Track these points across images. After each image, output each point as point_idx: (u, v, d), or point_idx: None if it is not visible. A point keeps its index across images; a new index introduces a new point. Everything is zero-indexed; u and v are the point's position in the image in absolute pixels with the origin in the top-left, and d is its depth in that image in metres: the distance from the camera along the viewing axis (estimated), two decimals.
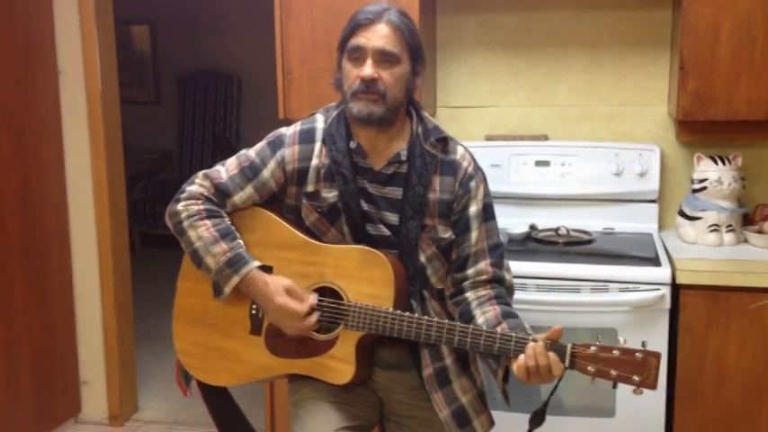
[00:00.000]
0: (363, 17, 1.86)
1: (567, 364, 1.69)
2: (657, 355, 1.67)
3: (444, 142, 1.93)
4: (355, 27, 1.87)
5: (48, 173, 3.38)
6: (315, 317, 1.85)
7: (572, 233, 2.83)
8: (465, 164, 1.93)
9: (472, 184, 1.92)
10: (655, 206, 2.93)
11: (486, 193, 1.96)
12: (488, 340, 1.73)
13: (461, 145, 1.97)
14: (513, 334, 1.72)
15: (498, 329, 1.78)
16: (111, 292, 3.52)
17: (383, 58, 1.84)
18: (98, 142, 3.42)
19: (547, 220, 2.95)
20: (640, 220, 2.93)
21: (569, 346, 1.70)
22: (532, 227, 2.89)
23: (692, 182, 2.79)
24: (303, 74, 2.82)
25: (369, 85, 1.83)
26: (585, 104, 3.02)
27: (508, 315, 1.84)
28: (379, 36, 1.84)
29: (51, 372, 3.44)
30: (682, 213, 2.81)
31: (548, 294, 2.50)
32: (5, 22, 3.13)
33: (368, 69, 1.83)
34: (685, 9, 2.57)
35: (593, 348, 1.68)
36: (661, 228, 2.94)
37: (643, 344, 1.70)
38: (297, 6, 2.78)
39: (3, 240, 3.14)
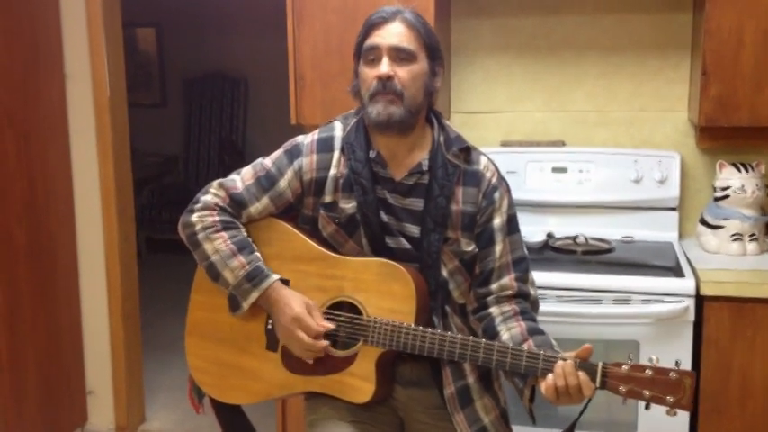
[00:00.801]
0: (377, 17, 1.82)
1: (597, 384, 1.63)
2: (692, 375, 1.60)
3: (467, 152, 1.87)
4: (369, 28, 1.82)
5: (54, 179, 3.33)
6: (325, 343, 1.80)
7: (590, 242, 2.77)
8: (489, 174, 1.87)
9: (496, 195, 1.86)
10: (675, 214, 2.86)
11: (511, 204, 1.89)
12: (515, 358, 1.67)
13: (484, 155, 1.91)
14: (541, 352, 1.66)
15: (524, 346, 1.72)
16: (119, 300, 3.47)
17: (398, 55, 1.78)
18: (106, 148, 3.37)
19: (564, 228, 2.90)
20: (660, 229, 2.86)
21: (600, 364, 1.63)
22: (549, 235, 2.83)
23: (714, 189, 2.72)
24: (315, 79, 2.76)
25: (385, 83, 1.77)
26: (603, 110, 2.96)
27: (534, 331, 1.78)
28: (393, 34, 1.79)
29: (57, 381, 3.39)
30: (703, 222, 2.74)
31: (567, 306, 2.44)
32: (12, 25, 3.08)
33: (384, 67, 1.77)
34: (708, 13, 2.50)
35: (624, 368, 1.62)
36: (681, 236, 2.87)
37: (677, 363, 1.64)
38: (309, 11, 2.72)
39: (8, 248, 3.08)
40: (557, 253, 2.73)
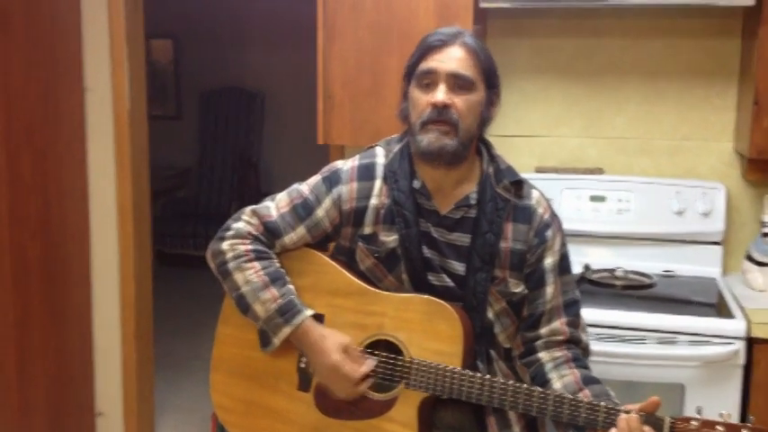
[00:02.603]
0: (435, 39, 1.69)
1: None
2: None
3: (518, 185, 1.75)
4: (426, 50, 1.69)
5: (70, 196, 3.22)
6: (368, 382, 1.67)
7: (630, 275, 2.65)
8: (541, 210, 1.75)
9: (548, 233, 1.74)
10: (719, 248, 2.73)
11: (563, 242, 1.77)
12: (573, 409, 1.54)
13: (536, 189, 1.79)
14: (602, 404, 1.53)
15: (580, 396, 1.59)
16: (132, 321, 3.35)
17: (456, 82, 1.66)
18: (124, 164, 3.26)
19: (602, 259, 2.78)
20: (702, 263, 2.74)
21: (668, 420, 1.50)
22: (586, 267, 2.71)
23: (763, 224, 2.59)
24: (345, 98, 2.65)
25: (441, 111, 1.65)
26: (645, 137, 2.84)
27: (590, 380, 1.65)
28: (453, 58, 1.66)
29: (66, 402, 3.27)
30: (750, 258, 2.61)
31: (609, 345, 2.31)
32: (32, 36, 2.98)
33: (440, 95, 1.65)
34: (761, 39, 2.39)
35: (694, 423, 1.49)
36: (725, 272, 2.75)
37: (749, 419, 1.50)
38: (341, 26, 2.61)
39: (22, 265, 2.97)
40: (594, 286, 2.60)
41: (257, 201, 1.86)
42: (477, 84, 1.68)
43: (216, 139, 6.63)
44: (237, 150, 6.50)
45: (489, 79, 1.71)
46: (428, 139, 1.66)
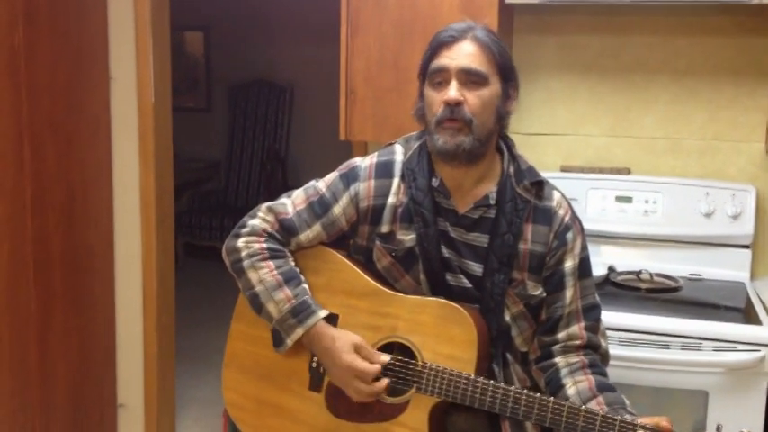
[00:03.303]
0: (446, 36, 1.65)
1: None
2: None
3: (539, 186, 1.71)
4: (437, 47, 1.66)
5: (94, 186, 3.23)
6: (384, 382, 1.64)
7: (655, 278, 2.59)
8: (561, 212, 1.71)
9: (569, 235, 1.70)
10: (747, 252, 2.66)
11: (584, 246, 1.73)
12: (588, 422, 1.49)
13: (558, 190, 1.75)
14: (618, 418, 1.48)
15: (593, 403, 1.56)
16: (154, 312, 3.36)
17: (469, 78, 1.63)
18: (148, 155, 3.26)
19: (627, 261, 2.71)
20: (731, 267, 2.67)
21: None
22: (611, 269, 2.65)
23: None
24: (368, 94, 2.62)
25: (453, 110, 1.61)
26: (674, 137, 2.77)
27: (604, 388, 1.61)
28: (463, 54, 1.63)
29: (88, 393, 3.29)
30: None
31: (631, 349, 2.25)
32: (58, 25, 2.99)
33: (452, 92, 1.61)
34: None
35: None
36: (753, 276, 2.68)
37: None
38: (365, 22, 2.58)
39: (45, 256, 2.98)
40: (618, 288, 2.56)
41: None
42: (491, 78, 1.64)
43: (244, 133, 6.63)
44: (266, 144, 6.51)
45: (504, 72, 1.67)
46: (443, 138, 1.63)
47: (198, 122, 6.70)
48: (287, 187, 1.97)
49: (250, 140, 6.59)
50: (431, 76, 1.66)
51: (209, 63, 6.80)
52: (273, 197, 1.87)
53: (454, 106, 1.61)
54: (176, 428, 3.64)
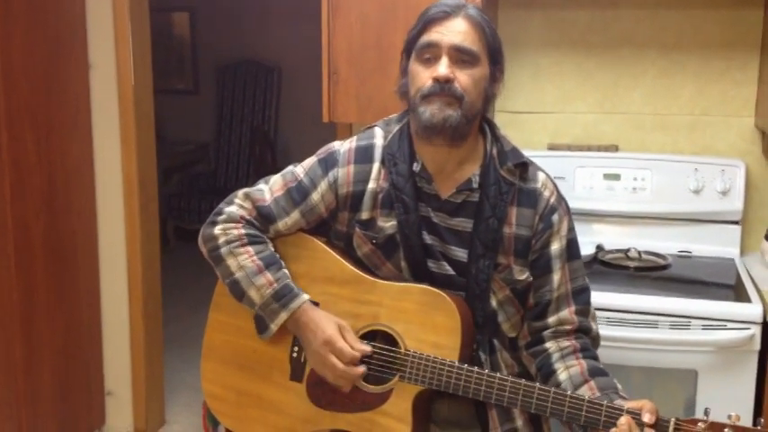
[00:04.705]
0: (437, 11, 1.59)
1: None
2: None
3: (523, 168, 1.67)
4: (428, 22, 1.59)
5: (75, 173, 3.18)
6: (362, 368, 1.60)
7: (644, 256, 2.56)
8: (547, 193, 1.67)
9: (555, 217, 1.65)
10: (737, 228, 2.64)
11: (571, 227, 1.69)
12: (573, 408, 1.47)
13: (542, 171, 1.70)
14: (604, 403, 1.46)
15: (585, 388, 1.53)
16: (140, 299, 3.33)
17: (460, 56, 1.57)
18: (130, 141, 3.21)
19: (615, 239, 2.69)
20: (720, 244, 2.64)
21: (673, 421, 1.42)
22: (599, 247, 2.62)
23: None
24: (351, 75, 2.57)
25: (443, 86, 1.56)
26: (662, 113, 2.73)
27: (596, 372, 1.58)
28: (456, 31, 1.57)
29: (75, 381, 3.26)
30: None
31: (619, 329, 2.23)
32: (35, 12, 2.92)
33: (443, 68, 1.55)
34: None
35: (700, 425, 1.41)
36: (743, 252, 2.65)
37: (759, 422, 1.43)
38: (346, 1, 2.52)
39: (26, 244, 2.94)
40: (607, 267, 2.53)
41: None
42: (482, 58, 1.59)
43: (233, 114, 6.56)
44: (254, 125, 6.44)
45: (493, 55, 1.62)
46: (430, 110, 1.57)
47: (185, 104, 6.63)
48: (276, 169, 1.93)
49: (238, 122, 6.53)
50: (419, 50, 1.60)
51: (195, 44, 6.71)
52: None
53: (444, 83, 1.56)
54: (165, 415, 3.62)
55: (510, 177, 1.65)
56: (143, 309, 3.34)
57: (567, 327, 1.65)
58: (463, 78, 1.57)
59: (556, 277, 1.65)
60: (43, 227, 3.02)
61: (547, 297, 1.65)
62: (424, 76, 1.59)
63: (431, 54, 1.59)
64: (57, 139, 3.07)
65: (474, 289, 1.63)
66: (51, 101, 3.04)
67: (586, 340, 1.66)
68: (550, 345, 1.65)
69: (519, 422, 1.66)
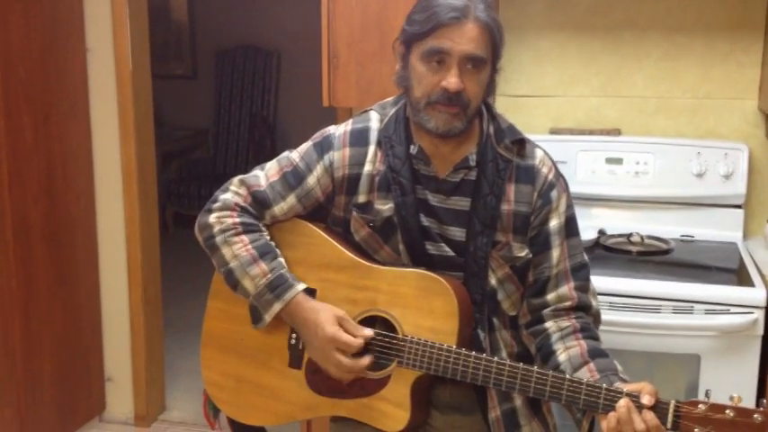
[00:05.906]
0: (448, 17, 1.53)
1: (669, 425, 1.41)
2: None
3: (521, 144, 1.65)
4: (437, 26, 1.54)
5: (73, 159, 3.16)
6: (366, 359, 1.59)
7: (647, 241, 2.54)
8: (545, 170, 1.65)
9: (553, 194, 1.64)
10: (740, 212, 2.62)
11: (569, 204, 1.67)
12: (572, 392, 1.46)
13: (540, 148, 1.69)
14: (603, 386, 1.44)
15: (584, 370, 1.52)
16: (140, 285, 3.32)
17: (470, 62, 1.55)
18: (128, 126, 3.19)
19: (618, 224, 2.67)
20: (723, 228, 2.63)
21: (673, 403, 1.41)
22: (601, 232, 2.61)
23: None
24: (351, 59, 2.54)
25: (452, 96, 1.54)
26: (665, 96, 2.71)
27: (596, 353, 1.56)
28: (467, 39, 1.53)
29: (75, 368, 3.25)
30: None
31: (622, 314, 2.21)
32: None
33: (454, 80, 1.53)
34: None
35: (701, 407, 1.39)
36: (746, 236, 2.64)
37: (762, 403, 1.41)
38: None
39: (24, 230, 2.93)
40: (609, 252, 2.52)
41: None
42: (488, 61, 1.58)
43: (232, 99, 6.52)
44: (253, 110, 6.41)
45: (497, 51, 1.60)
46: (435, 121, 1.56)
47: (184, 89, 6.58)
48: (276, 155, 1.91)
49: (237, 107, 6.49)
50: (427, 54, 1.56)
51: (194, 28, 6.66)
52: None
53: (453, 94, 1.54)
54: (166, 400, 3.62)
55: (507, 154, 1.63)
56: (142, 295, 3.33)
57: (567, 303, 1.64)
58: (471, 86, 1.56)
59: (555, 254, 1.64)
60: (42, 213, 3.01)
61: (546, 274, 1.64)
62: (431, 82, 1.56)
63: (440, 59, 1.55)
64: (54, 123, 3.05)
65: (472, 267, 1.62)
66: (49, 85, 3.01)
67: (587, 320, 1.65)
68: (550, 324, 1.63)
69: (518, 402, 1.65)
